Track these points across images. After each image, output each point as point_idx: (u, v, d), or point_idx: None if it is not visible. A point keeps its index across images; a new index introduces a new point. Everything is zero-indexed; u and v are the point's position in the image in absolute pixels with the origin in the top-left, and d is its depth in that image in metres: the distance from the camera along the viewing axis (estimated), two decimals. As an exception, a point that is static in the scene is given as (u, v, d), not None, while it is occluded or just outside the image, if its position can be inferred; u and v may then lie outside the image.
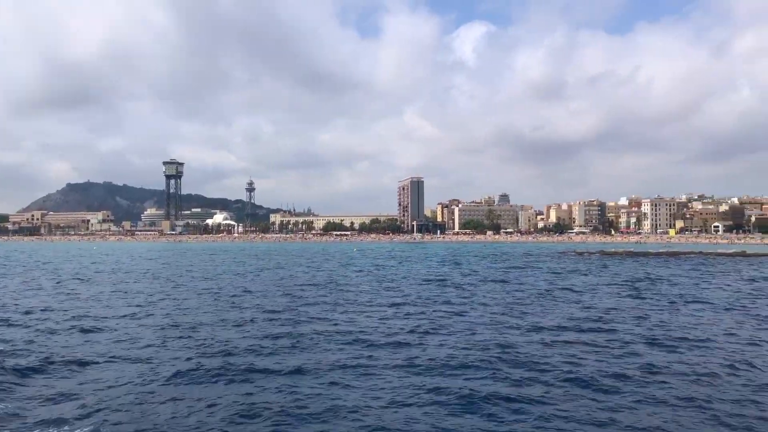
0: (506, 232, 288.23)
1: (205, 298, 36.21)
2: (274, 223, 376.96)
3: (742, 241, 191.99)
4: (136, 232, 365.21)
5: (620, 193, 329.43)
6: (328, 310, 30.22)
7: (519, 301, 34.65)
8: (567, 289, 42.89)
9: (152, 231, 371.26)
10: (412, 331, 23.19)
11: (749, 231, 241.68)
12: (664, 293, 38.97)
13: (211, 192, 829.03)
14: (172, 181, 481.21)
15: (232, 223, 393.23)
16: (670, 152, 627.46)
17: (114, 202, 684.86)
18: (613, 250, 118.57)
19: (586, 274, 59.12)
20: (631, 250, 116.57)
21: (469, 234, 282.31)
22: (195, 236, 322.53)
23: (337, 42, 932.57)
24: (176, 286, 44.43)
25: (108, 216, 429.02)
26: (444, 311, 29.75)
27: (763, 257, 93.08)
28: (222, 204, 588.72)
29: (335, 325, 24.98)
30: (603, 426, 12.14)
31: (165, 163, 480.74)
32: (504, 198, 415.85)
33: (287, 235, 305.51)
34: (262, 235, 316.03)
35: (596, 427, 12.12)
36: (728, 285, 45.85)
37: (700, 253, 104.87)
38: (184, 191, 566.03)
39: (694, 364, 17.55)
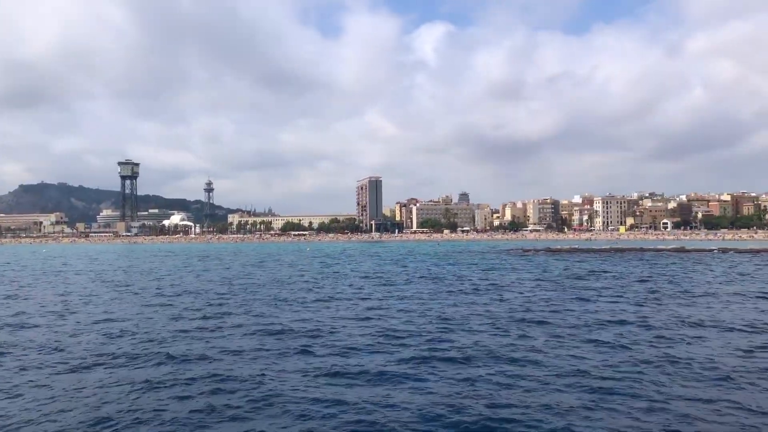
0: (463, 231, 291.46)
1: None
2: (231, 224, 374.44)
3: (688, 237, 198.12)
4: (91, 234, 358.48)
5: (580, 191, 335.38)
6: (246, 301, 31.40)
7: (432, 295, 36.27)
8: (494, 284, 44.91)
9: (107, 233, 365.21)
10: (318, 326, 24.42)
11: (696, 227, 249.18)
12: (583, 287, 40.99)
13: (171, 193, 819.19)
14: (128, 182, 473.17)
15: (189, 224, 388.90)
16: (627, 150, 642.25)
17: (69, 203, 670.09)
18: (558, 247, 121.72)
19: (519, 271, 61.13)
20: (576, 247, 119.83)
21: (426, 233, 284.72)
22: (150, 237, 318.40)
23: (299, 41, 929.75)
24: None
25: (61, 218, 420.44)
26: (354, 304, 31.27)
27: (700, 252, 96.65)
28: (181, 205, 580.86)
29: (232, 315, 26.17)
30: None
31: (120, 164, 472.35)
32: (464, 197, 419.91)
33: (244, 236, 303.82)
34: (219, 235, 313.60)
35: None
36: (648, 279, 48.22)
37: (641, 249, 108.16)
38: (143, 192, 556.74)
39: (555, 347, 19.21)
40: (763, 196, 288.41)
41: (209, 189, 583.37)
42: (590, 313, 27.94)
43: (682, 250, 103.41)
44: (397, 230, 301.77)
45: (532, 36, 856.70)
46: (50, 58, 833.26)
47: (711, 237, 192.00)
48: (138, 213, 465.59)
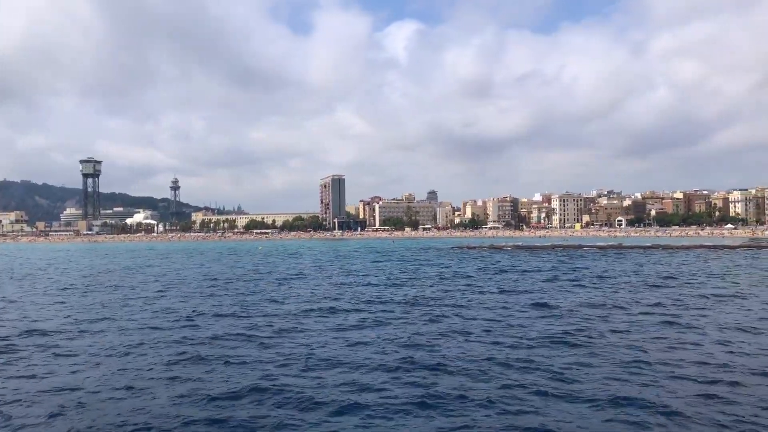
0: (424, 229, 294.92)
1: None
2: (195, 222, 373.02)
3: (638, 234, 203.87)
4: (51, 233, 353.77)
5: (548, 188, 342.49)
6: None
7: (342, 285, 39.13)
8: (414, 278, 48.33)
9: (67, 231, 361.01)
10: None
11: (650, 224, 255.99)
12: (492, 281, 44.12)
13: (138, 191, 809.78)
14: (90, 180, 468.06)
15: (153, 222, 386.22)
16: (594, 149, 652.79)
17: (33, 201, 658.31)
18: (502, 244, 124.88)
19: (439, 266, 64.35)
20: (520, 244, 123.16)
21: (388, 231, 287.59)
22: (112, 236, 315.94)
23: (269, 38, 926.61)
24: None
25: (22, 216, 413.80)
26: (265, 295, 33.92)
27: (633, 249, 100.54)
28: (147, 203, 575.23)
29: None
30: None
31: (82, 162, 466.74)
32: (432, 194, 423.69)
33: (207, 234, 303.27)
34: (181, 234, 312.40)
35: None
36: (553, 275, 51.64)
37: (579, 246, 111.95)
38: (109, 190, 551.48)
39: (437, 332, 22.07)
40: (715, 194, 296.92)
41: (175, 187, 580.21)
42: (437, 306, 31.01)
43: (619, 246, 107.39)
44: (359, 228, 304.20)
45: (501, 35, 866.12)
46: (15, 54, 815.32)
47: (659, 234, 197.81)
48: (102, 211, 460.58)
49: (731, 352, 18.94)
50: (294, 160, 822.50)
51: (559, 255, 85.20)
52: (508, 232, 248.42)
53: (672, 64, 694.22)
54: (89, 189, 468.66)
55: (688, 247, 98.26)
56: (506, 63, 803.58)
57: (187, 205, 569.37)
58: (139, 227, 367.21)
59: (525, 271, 55.65)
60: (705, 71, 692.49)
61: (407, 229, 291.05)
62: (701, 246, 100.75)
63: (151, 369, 17.42)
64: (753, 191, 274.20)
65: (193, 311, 29.28)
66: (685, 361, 17.72)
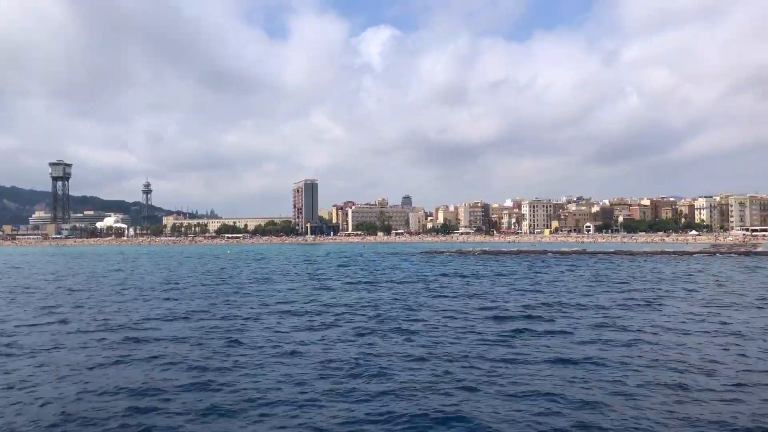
0: (396, 233, 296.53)
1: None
2: (166, 226, 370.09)
3: (604, 240, 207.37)
4: (18, 237, 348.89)
5: (521, 194, 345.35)
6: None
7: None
8: (373, 282, 49.38)
9: (35, 235, 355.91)
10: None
11: (617, 230, 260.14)
12: (448, 285, 45.39)
13: (110, 194, 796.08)
14: (60, 183, 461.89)
15: (123, 226, 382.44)
16: (566, 155, 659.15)
17: (1, 205, 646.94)
18: (470, 249, 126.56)
19: (410, 271, 65.66)
20: (486, 249, 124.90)
21: (360, 235, 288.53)
22: (81, 240, 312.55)
23: (245, 42, 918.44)
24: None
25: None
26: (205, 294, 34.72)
27: (595, 255, 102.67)
28: (119, 206, 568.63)
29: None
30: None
31: (51, 164, 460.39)
32: (407, 200, 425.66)
33: (178, 238, 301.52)
34: (152, 238, 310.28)
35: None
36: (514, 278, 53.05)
37: (544, 252, 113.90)
38: (79, 193, 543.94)
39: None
40: (681, 201, 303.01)
41: (147, 190, 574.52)
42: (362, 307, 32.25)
43: (583, 252, 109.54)
44: (332, 233, 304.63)
45: (475, 42, 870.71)
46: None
47: (626, 240, 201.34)
48: (73, 215, 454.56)
49: (650, 350, 20.40)
50: (268, 164, 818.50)
51: (522, 260, 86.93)
52: (478, 237, 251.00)
53: (642, 72, 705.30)
54: (59, 192, 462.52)
55: (648, 254, 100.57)
56: (480, 70, 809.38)
57: (159, 209, 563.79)
58: (109, 231, 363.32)
59: (483, 275, 57.10)
60: (674, 80, 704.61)
61: (380, 233, 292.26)
62: (662, 252, 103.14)
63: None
64: (717, 198, 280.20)
65: (143, 317, 30.06)
66: (605, 359, 19.11)
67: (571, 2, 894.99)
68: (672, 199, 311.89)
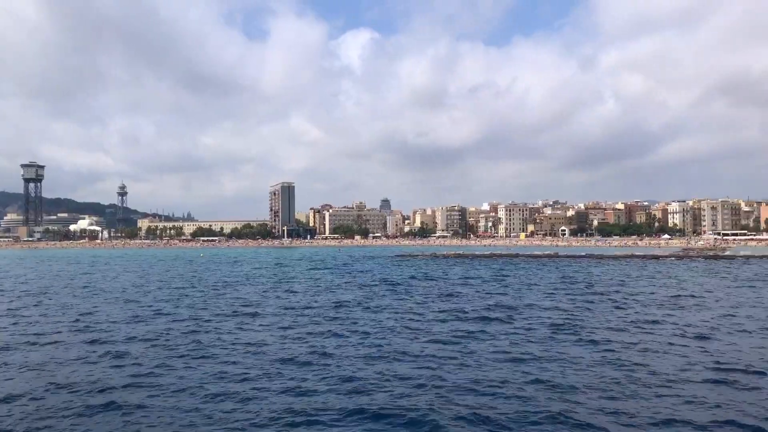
0: (374, 237, 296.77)
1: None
2: (141, 229, 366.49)
3: (579, 243, 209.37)
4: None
5: (500, 198, 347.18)
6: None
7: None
8: (340, 285, 49.41)
9: (7, 238, 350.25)
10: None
11: (592, 234, 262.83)
12: (414, 288, 45.66)
13: (85, 196, 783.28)
14: (32, 185, 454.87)
15: (97, 228, 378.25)
16: (544, 160, 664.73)
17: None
18: (444, 253, 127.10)
19: (380, 274, 65.87)
20: (460, 253, 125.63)
21: (337, 239, 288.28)
22: (54, 243, 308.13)
23: (223, 44, 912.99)
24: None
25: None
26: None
27: (566, 258, 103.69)
28: (94, 209, 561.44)
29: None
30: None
31: (23, 166, 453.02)
32: (386, 203, 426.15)
33: (152, 241, 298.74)
34: (126, 241, 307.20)
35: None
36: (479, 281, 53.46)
37: (516, 255, 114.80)
38: (54, 195, 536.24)
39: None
40: (655, 205, 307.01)
41: (123, 193, 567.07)
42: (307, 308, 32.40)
43: (555, 256, 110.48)
44: (309, 236, 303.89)
45: (454, 46, 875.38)
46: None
47: (600, 243, 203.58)
48: (46, 217, 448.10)
49: (597, 349, 20.77)
50: (246, 166, 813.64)
51: (493, 264, 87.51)
52: (455, 241, 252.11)
53: (619, 77, 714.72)
54: (31, 194, 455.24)
55: (618, 257, 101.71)
56: (459, 74, 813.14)
57: (135, 212, 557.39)
58: (83, 234, 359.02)
59: (451, 278, 57.49)
60: (651, 85, 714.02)
61: (357, 237, 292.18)
62: (632, 256, 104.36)
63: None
64: (690, 203, 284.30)
65: (102, 320, 29.89)
66: (553, 357, 19.49)
67: (548, 8, 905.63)
68: (646, 203, 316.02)
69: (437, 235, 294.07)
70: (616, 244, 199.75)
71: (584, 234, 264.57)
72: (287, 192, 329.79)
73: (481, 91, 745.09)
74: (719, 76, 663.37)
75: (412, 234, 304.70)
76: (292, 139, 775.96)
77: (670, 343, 21.80)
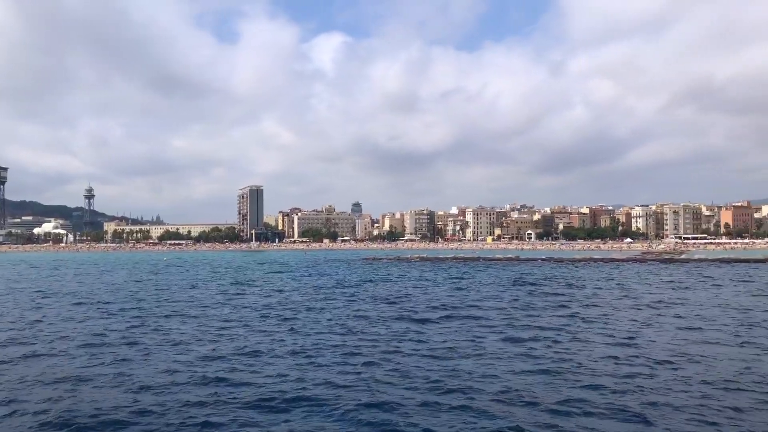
0: (343, 240, 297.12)
1: None
2: (107, 232, 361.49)
3: (544, 247, 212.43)
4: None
5: (471, 202, 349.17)
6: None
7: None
8: (293, 288, 49.95)
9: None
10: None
11: (557, 238, 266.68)
12: (366, 289, 46.59)
13: (52, 199, 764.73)
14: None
15: (62, 231, 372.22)
16: (514, 164, 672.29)
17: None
18: (408, 256, 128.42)
19: (338, 277, 66.71)
20: (424, 256, 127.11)
21: (305, 242, 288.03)
22: (17, 246, 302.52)
23: (194, 46, 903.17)
24: None
25: None
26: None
27: (527, 261, 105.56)
28: (61, 212, 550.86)
29: None
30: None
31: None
32: (357, 206, 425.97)
33: (118, 245, 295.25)
34: (92, 244, 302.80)
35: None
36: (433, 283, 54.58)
37: (479, 258, 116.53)
38: (18, 198, 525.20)
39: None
40: (619, 209, 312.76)
41: (90, 195, 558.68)
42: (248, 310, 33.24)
43: (516, 259, 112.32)
44: (277, 240, 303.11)
45: (426, 51, 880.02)
46: None
47: (564, 247, 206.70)
48: (10, 220, 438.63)
49: (524, 346, 21.91)
50: (216, 169, 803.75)
51: (454, 266, 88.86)
52: (423, 245, 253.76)
53: (588, 83, 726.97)
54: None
55: (577, 260, 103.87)
56: (431, 78, 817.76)
57: (102, 215, 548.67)
58: (47, 237, 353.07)
59: (408, 280, 58.57)
60: (619, 91, 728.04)
61: (326, 240, 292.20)
62: (590, 259, 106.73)
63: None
64: (653, 207, 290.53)
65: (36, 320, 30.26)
66: (481, 353, 20.56)
67: (519, 14, 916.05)
68: (611, 207, 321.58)
69: (405, 238, 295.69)
70: (579, 247, 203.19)
71: (550, 238, 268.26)
72: (255, 195, 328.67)
73: (453, 95, 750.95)
74: (685, 82, 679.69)
75: (381, 237, 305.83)
76: (264, 143, 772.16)
77: (597, 341, 23.05)
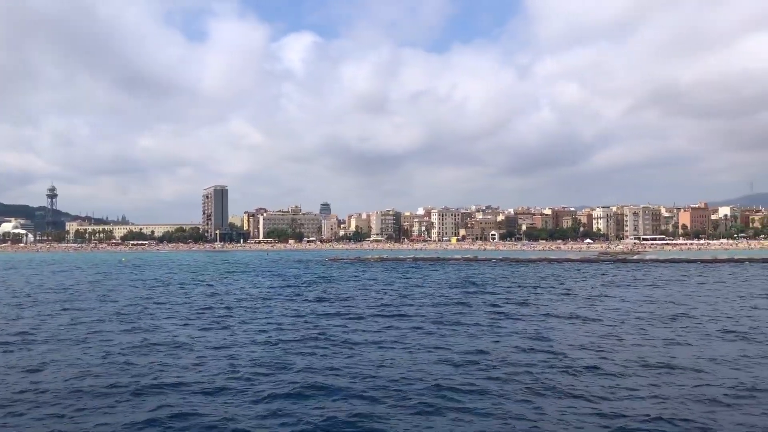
0: (308, 241, 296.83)
1: None
2: (69, 232, 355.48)
3: (506, 247, 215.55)
4: None
5: (441, 203, 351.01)
6: None
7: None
8: (239, 287, 50.54)
9: None
10: None
11: (520, 238, 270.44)
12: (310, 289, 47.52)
13: (13, 198, 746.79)
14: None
15: (22, 231, 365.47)
16: (483, 166, 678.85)
17: None
18: (368, 256, 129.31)
19: (290, 277, 67.32)
20: (384, 256, 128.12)
21: (270, 243, 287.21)
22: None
23: (162, 45, 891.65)
24: None
25: None
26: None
27: (483, 261, 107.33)
28: (23, 211, 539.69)
29: None
30: None
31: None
32: (326, 207, 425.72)
33: (80, 245, 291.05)
34: (52, 245, 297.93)
35: None
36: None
37: (438, 258, 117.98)
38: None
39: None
40: (581, 211, 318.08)
41: (52, 195, 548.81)
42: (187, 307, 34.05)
43: (474, 259, 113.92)
44: (242, 240, 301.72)
45: (396, 52, 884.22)
46: None
47: (525, 247, 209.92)
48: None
49: (445, 341, 23.04)
50: (184, 169, 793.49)
51: (412, 266, 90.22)
52: (388, 245, 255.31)
53: (555, 87, 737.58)
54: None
55: (533, 260, 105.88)
56: (401, 80, 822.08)
57: (66, 215, 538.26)
58: (6, 237, 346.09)
59: (360, 279, 59.61)
60: (585, 95, 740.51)
61: (291, 241, 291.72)
62: (545, 259, 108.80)
63: None
64: (614, 209, 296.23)
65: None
66: (409, 347, 21.67)
67: (487, 16, 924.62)
68: (573, 209, 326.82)
69: (371, 239, 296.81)
70: (540, 248, 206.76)
71: (513, 238, 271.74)
72: (220, 195, 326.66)
73: (423, 97, 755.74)
74: (650, 86, 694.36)
75: (347, 238, 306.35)
76: (233, 143, 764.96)
77: (501, 335, 24.29)
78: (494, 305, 35.42)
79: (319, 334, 24.67)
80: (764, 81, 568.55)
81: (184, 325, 27.69)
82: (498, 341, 22.82)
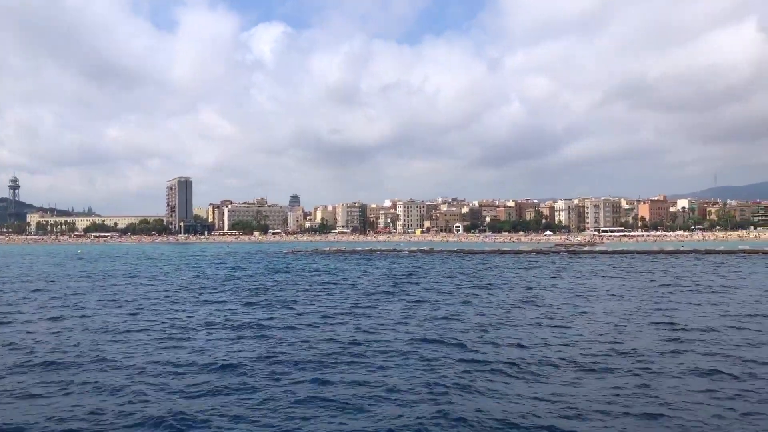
0: (274, 233, 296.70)
1: None
2: (30, 224, 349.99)
3: (468, 239, 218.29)
4: None
5: (412, 195, 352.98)
6: None
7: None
8: (193, 277, 51.51)
9: None
10: None
11: (484, 230, 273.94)
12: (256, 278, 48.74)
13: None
14: None
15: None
16: (455, 158, 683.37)
17: None
18: (326, 248, 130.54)
19: (242, 268, 68.39)
20: (342, 248, 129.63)
21: (235, 234, 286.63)
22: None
23: (130, 34, 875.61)
24: None
25: None
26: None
27: (438, 253, 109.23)
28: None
29: None
30: None
31: None
32: (295, 199, 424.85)
33: (41, 237, 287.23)
34: (12, 237, 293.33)
35: None
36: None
37: (395, 250, 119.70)
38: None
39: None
40: (544, 203, 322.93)
41: (14, 186, 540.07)
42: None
43: (430, 251, 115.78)
44: (206, 232, 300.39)
45: (368, 44, 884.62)
46: None
47: (487, 239, 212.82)
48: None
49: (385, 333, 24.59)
50: (152, 160, 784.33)
51: (366, 257, 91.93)
52: (353, 237, 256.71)
53: (525, 80, 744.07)
54: None
55: (486, 252, 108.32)
56: (373, 71, 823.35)
57: (30, 206, 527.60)
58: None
59: (306, 270, 61.02)
60: (555, 88, 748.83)
61: (256, 233, 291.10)
62: (498, 251, 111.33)
63: None
64: (575, 201, 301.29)
65: None
66: (356, 340, 23.11)
67: (457, 9, 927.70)
68: (536, 201, 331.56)
69: (337, 231, 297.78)
70: (502, 239, 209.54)
71: (477, 230, 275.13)
72: (185, 187, 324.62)
73: (394, 89, 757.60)
74: (618, 80, 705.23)
75: (313, 230, 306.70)
76: (203, 134, 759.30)
77: (451, 326, 25.92)
78: (418, 294, 36.95)
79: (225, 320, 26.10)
80: (729, 76, 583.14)
81: (108, 314, 28.74)
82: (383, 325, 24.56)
